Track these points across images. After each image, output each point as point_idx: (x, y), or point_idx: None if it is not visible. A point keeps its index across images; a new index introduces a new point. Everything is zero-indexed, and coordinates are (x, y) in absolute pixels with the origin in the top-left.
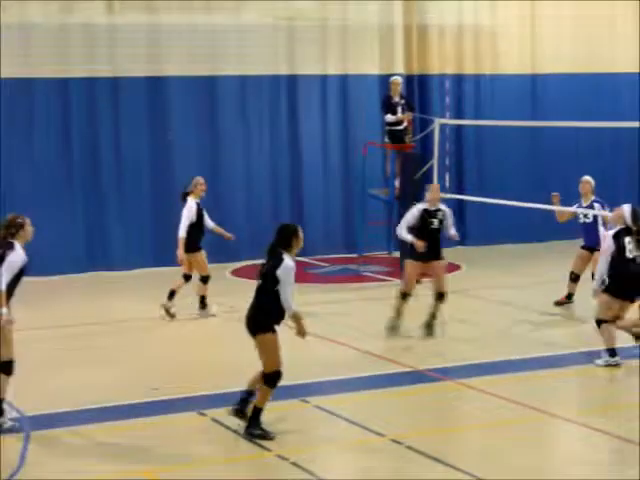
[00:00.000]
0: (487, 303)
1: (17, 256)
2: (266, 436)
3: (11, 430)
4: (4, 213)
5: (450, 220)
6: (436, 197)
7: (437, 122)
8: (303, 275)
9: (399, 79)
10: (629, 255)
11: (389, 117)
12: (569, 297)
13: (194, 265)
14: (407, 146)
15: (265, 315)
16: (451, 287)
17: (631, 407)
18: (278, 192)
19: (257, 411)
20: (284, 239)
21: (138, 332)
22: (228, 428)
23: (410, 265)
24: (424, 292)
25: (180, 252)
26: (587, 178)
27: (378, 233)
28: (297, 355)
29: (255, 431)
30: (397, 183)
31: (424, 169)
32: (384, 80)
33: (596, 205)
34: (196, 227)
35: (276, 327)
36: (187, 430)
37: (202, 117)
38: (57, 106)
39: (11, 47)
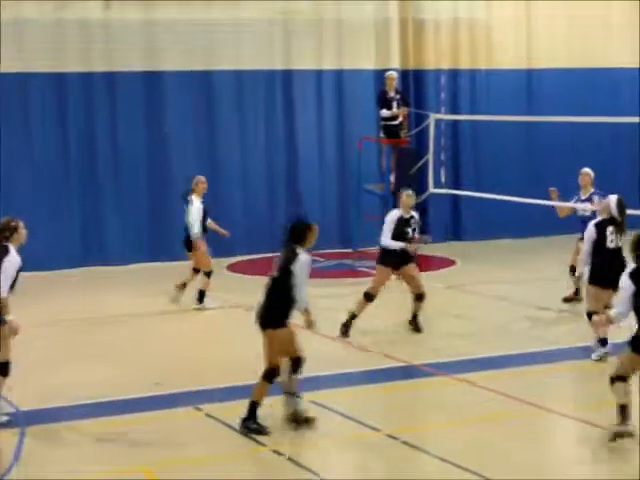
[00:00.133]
0: (483, 298)
1: (12, 261)
2: (262, 431)
3: (6, 425)
4: (0, 209)
5: (418, 225)
6: (411, 204)
7: (432, 117)
8: None
9: (394, 74)
10: (610, 245)
11: (384, 112)
12: (577, 293)
13: (198, 261)
14: (402, 141)
15: (277, 310)
16: (447, 282)
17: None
18: (274, 187)
19: (253, 405)
20: (298, 234)
21: (134, 327)
22: (223, 423)
23: (382, 271)
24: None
25: (202, 247)
26: (586, 170)
27: (373, 228)
28: None
29: (251, 425)
30: (392, 178)
31: (419, 164)
32: (379, 75)
33: (595, 197)
34: (200, 224)
35: (288, 321)
36: (183, 425)
37: (198, 112)
38: (53, 101)
39: (7, 43)
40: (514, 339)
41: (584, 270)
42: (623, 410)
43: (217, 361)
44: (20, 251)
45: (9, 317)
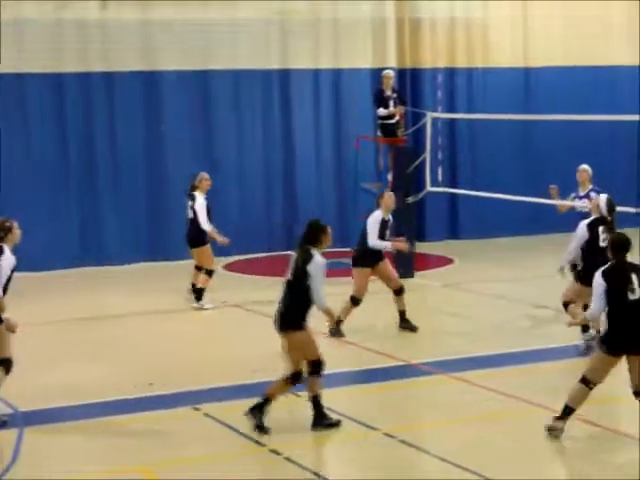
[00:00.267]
0: (480, 296)
1: (7, 260)
2: (261, 429)
3: (5, 424)
4: None
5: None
6: (393, 206)
7: (429, 116)
8: None
9: (391, 73)
10: (602, 244)
11: (381, 111)
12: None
13: (201, 258)
14: (399, 140)
15: (295, 313)
16: (444, 280)
17: (625, 400)
18: (271, 186)
19: (266, 400)
20: (312, 235)
21: (132, 327)
22: (222, 423)
23: (361, 272)
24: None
25: (219, 238)
26: (584, 167)
27: None
28: None
29: (256, 416)
30: (389, 177)
31: (416, 163)
32: (376, 74)
33: (593, 194)
34: (207, 219)
35: (305, 323)
36: (181, 425)
37: (195, 111)
38: (51, 101)
39: (5, 43)
40: (511, 337)
41: (566, 265)
42: (567, 409)
43: (215, 360)
44: (16, 251)
45: (5, 315)
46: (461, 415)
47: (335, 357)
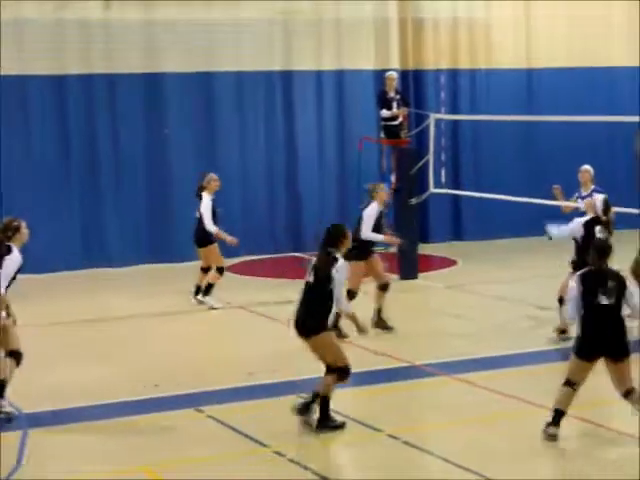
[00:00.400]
0: (483, 298)
1: (13, 259)
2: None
3: (8, 418)
4: (1, 210)
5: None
6: (386, 199)
7: (432, 117)
8: (298, 270)
9: (394, 74)
10: None
11: (384, 112)
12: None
13: (209, 258)
14: (402, 141)
15: (316, 317)
16: (447, 282)
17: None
18: (274, 187)
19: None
20: (334, 238)
21: (135, 328)
22: (225, 424)
23: (355, 266)
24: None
25: (228, 238)
26: (586, 167)
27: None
28: (292, 351)
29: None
30: (393, 178)
31: (420, 164)
32: (379, 75)
33: (595, 194)
34: (211, 219)
35: (328, 326)
36: (184, 426)
37: (198, 113)
38: (53, 103)
39: (6, 44)
40: (514, 339)
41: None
42: (557, 413)
43: (218, 362)
44: (22, 252)
45: (2, 314)
46: (464, 416)
47: None
